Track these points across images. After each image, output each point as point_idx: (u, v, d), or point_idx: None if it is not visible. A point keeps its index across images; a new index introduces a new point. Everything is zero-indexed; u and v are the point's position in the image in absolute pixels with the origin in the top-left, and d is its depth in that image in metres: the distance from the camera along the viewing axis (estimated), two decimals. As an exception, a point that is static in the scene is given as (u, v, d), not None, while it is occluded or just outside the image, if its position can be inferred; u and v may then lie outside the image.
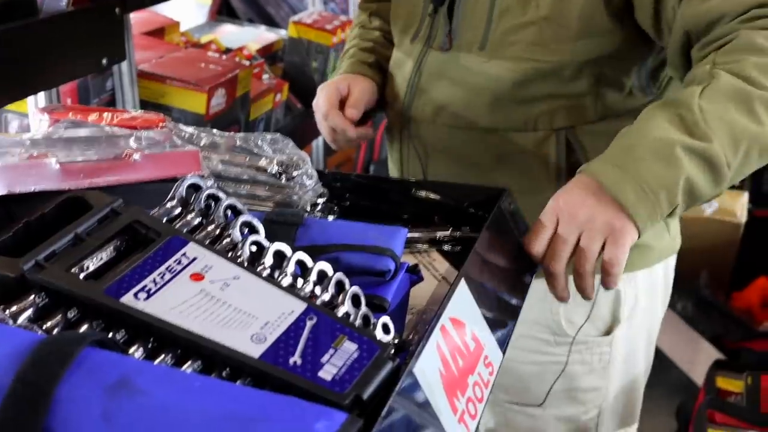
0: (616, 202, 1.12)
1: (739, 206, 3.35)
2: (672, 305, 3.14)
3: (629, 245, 1.13)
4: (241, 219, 0.96)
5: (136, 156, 1.08)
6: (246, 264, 0.92)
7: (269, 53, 2.62)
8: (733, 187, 3.54)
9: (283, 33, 2.77)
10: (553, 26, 1.35)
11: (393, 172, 1.61)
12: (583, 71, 1.38)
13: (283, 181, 1.16)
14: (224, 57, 2.31)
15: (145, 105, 2.02)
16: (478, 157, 1.45)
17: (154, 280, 0.85)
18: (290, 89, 2.55)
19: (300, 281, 0.92)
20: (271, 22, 3.07)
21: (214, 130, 1.21)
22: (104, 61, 1.73)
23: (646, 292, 1.54)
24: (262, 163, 1.17)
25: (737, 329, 3.21)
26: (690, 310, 3.18)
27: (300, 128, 2.51)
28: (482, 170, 1.45)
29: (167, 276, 0.86)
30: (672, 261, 1.60)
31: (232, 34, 2.72)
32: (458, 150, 1.47)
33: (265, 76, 2.43)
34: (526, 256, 1.17)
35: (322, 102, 1.54)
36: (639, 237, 1.13)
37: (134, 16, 1.94)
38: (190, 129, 1.20)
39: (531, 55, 1.37)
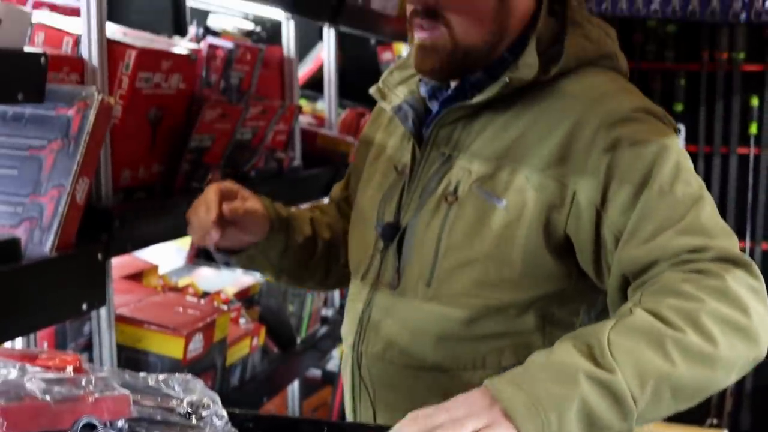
0: (508, 416, 1.11)
1: (720, 449, 3.29)
2: None
3: None
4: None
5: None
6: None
7: (246, 297, 2.62)
8: (711, 425, 3.51)
9: (259, 276, 2.78)
10: (497, 264, 1.37)
11: (347, 408, 1.57)
12: (529, 310, 1.39)
13: (194, 421, 1.17)
14: (202, 301, 2.31)
15: (122, 350, 1.98)
16: (425, 396, 1.41)
17: None
18: (267, 333, 2.53)
19: None
20: (248, 266, 3.09)
21: (126, 371, 1.22)
22: (84, 306, 1.71)
23: None
24: (173, 403, 1.18)
25: None
26: None
27: (277, 372, 2.47)
28: None
29: None
30: None
31: (208, 278, 2.73)
32: (406, 388, 1.45)
33: (242, 320, 2.41)
34: None
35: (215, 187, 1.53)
36: None
37: (114, 260, 1.94)
38: (105, 369, 1.21)
39: (476, 292, 1.38)
